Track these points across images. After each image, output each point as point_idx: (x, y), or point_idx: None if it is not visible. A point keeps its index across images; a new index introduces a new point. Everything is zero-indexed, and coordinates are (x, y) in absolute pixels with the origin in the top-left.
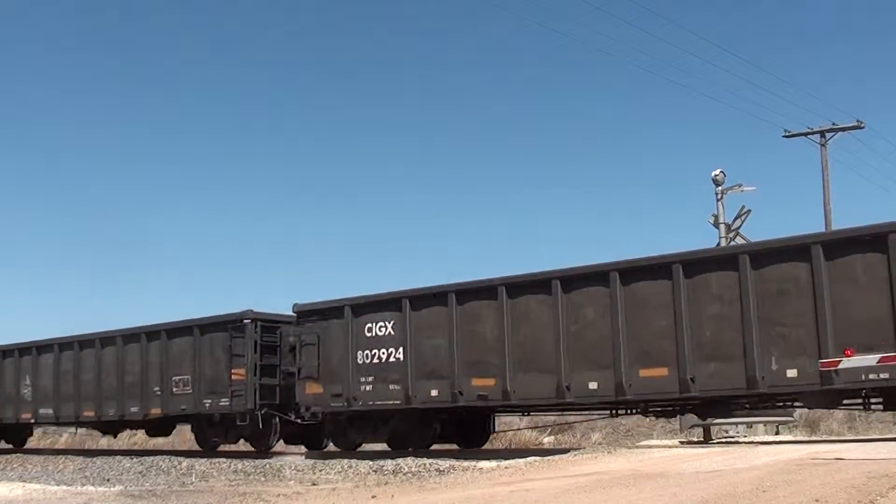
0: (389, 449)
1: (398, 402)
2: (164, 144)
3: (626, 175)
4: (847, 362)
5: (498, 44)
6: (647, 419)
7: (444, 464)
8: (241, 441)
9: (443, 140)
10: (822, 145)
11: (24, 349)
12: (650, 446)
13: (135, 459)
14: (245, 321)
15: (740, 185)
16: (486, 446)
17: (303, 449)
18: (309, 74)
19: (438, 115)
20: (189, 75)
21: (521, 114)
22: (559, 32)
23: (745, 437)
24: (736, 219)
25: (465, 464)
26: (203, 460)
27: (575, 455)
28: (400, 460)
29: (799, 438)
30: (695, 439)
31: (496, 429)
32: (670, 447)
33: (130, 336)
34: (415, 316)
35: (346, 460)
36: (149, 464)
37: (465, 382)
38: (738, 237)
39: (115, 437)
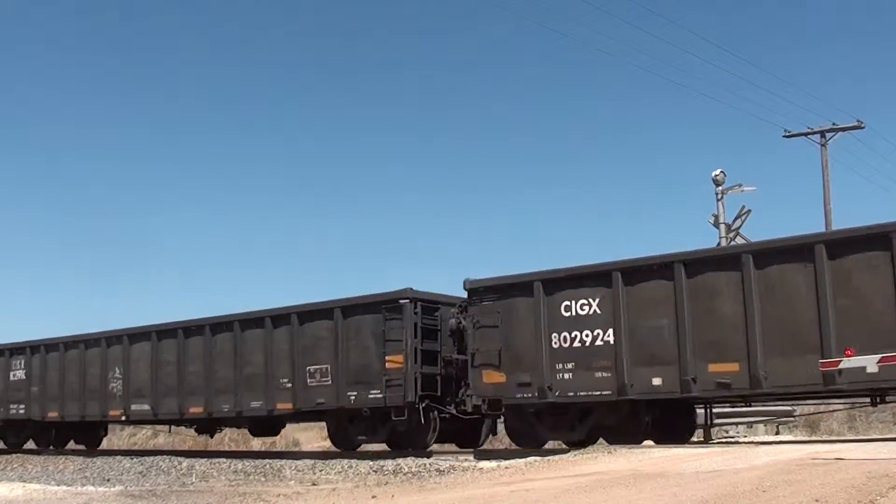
0: (571, 447)
1: (608, 392)
2: (164, 144)
3: (626, 175)
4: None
5: (498, 44)
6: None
7: (445, 464)
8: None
9: (443, 140)
10: (822, 145)
11: (112, 338)
12: (650, 446)
13: (135, 459)
14: (402, 301)
15: (740, 185)
16: (487, 446)
17: (455, 448)
18: (309, 74)
19: (438, 115)
20: (189, 75)
21: (521, 114)
22: (559, 32)
23: (745, 437)
24: (736, 219)
25: (466, 464)
26: (203, 460)
27: (575, 455)
28: (400, 460)
29: (799, 438)
30: (695, 439)
31: (713, 421)
32: (670, 447)
33: (251, 321)
34: (628, 291)
35: (346, 460)
36: (149, 464)
37: (700, 368)
38: (738, 237)
39: (211, 437)
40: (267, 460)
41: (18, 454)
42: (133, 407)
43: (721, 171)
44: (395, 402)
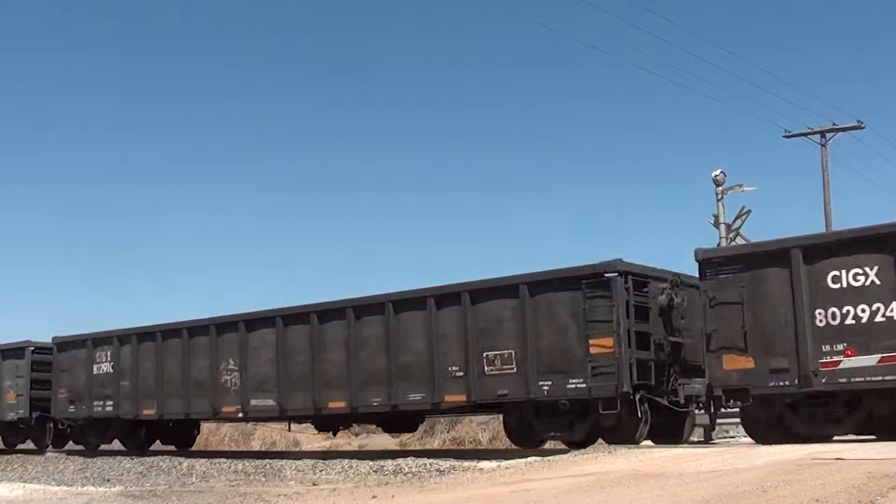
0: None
1: (893, 377)
2: (164, 144)
3: (625, 175)
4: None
5: (496, 43)
6: None
7: (445, 464)
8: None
9: (443, 140)
10: (822, 145)
11: (224, 324)
12: (650, 446)
13: (135, 460)
14: (610, 275)
15: (740, 186)
16: (488, 446)
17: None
18: (310, 74)
19: (438, 115)
20: (189, 75)
21: (520, 113)
22: (558, 32)
23: (746, 436)
24: (736, 219)
25: (466, 464)
26: (203, 460)
27: (575, 455)
28: (400, 460)
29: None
30: (695, 439)
31: None
32: (671, 447)
33: (407, 301)
34: None
35: (346, 460)
36: (149, 464)
37: None
38: (738, 237)
39: (334, 434)
40: (267, 460)
41: (19, 454)
42: (253, 402)
43: (721, 171)
44: (604, 392)
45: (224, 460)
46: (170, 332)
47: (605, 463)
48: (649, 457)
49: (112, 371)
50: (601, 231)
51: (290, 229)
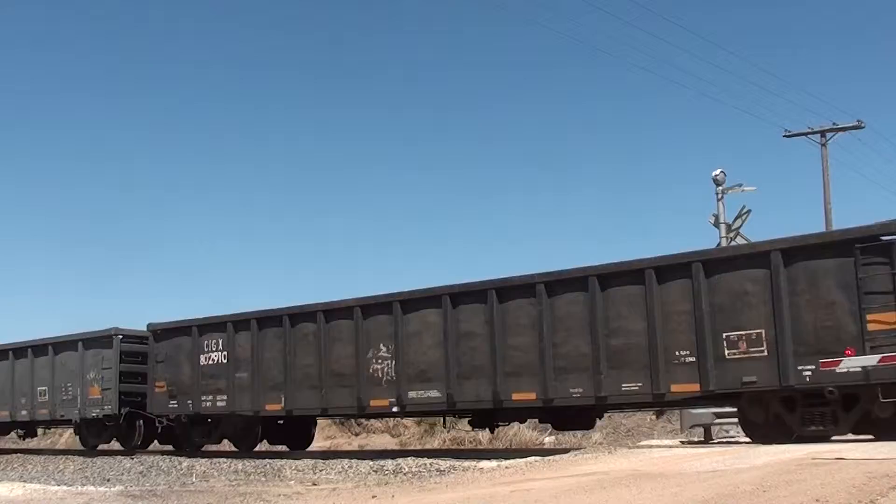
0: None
1: None
2: (164, 144)
3: (625, 175)
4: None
5: (495, 43)
6: (648, 419)
7: (445, 464)
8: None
9: (442, 140)
10: (823, 145)
11: (372, 306)
12: (650, 446)
13: (135, 459)
14: (889, 238)
15: (740, 185)
16: (488, 446)
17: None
18: (309, 74)
19: (437, 115)
20: (189, 75)
21: (521, 114)
22: (557, 31)
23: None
24: (736, 219)
25: (466, 464)
26: (203, 460)
27: (575, 455)
28: (400, 460)
29: None
30: (695, 439)
31: None
32: (671, 447)
33: (615, 275)
34: None
35: (346, 460)
36: (149, 464)
37: None
38: (738, 237)
39: (492, 432)
40: (267, 460)
41: (19, 454)
42: (411, 394)
43: (721, 171)
44: (887, 376)
45: (224, 460)
46: (301, 315)
47: (605, 463)
48: (649, 457)
49: (225, 361)
50: (601, 231)
51: (290, 229)
